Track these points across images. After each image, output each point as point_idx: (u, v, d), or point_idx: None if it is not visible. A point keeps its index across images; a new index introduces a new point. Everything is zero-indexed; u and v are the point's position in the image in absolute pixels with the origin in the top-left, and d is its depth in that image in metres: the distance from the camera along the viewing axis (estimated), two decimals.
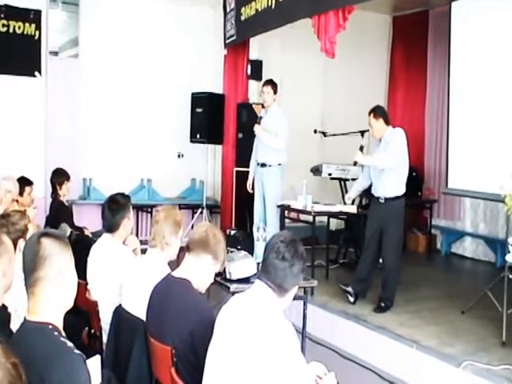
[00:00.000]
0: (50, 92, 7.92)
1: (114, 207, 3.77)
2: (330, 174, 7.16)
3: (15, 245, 2.80)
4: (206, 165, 8.73)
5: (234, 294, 3.34)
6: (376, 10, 8.53)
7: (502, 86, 5.61)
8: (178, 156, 8.81)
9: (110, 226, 3.78)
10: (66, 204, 6.36)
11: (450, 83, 6.51)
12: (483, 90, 5.87)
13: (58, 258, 2.00)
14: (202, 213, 8.45)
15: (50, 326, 1.92)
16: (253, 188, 6.73)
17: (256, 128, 6.51)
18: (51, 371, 1.80)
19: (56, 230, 4.53)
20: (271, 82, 6.52)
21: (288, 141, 6.40)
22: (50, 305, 1.97)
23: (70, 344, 1.88)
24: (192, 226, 8.00)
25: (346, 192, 6.84)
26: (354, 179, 6.81)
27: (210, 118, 8.34)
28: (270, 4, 6.64)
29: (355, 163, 5.53)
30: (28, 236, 3.36)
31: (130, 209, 3.86)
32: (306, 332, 4.39)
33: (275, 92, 6.49)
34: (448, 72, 6.57)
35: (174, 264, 3.15)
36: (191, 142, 8.57)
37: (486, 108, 5.83)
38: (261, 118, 6.54)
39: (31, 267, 1.97)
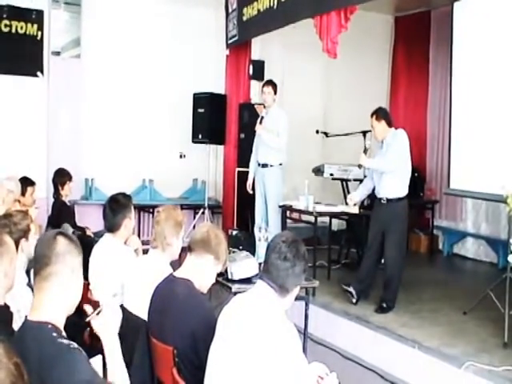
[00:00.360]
0: (52, 92, 7.94)
1: (115, 207, 3.78)
2: (331, 175, 7.16)
3: (17, 245, 2.80)
4: (207, 165, 8.73)
5: (235, 294, 3.34)
6: (378, 11, 8.52)
7: (504, 87, 5.60)
8: (180, 156, 8.81)
9: (112, 226, 3.79)
10: (68, 204, 6.37)
11: (452, 83, 6.51)
12: (485, 91, 5.87)
13: (72, 258, 2.03)
14: (203, 213, 8.45)
15: (50, 326, 1.92)
16: (253, 189, 6.73)
17: (258, 128, 6.52)
18: (51, 371, 1.80)
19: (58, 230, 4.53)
20: (271, 82, 6.55)
21: (287, 141, 6.43)
22: (55, 303, 1.98)
23: (68, 342, 1.89)
24: (194, 227, 8.00)
25: (348, 192, 6.84)
26: (355, 180, 6.81)
27: (212, 118, 8.34)
28: (271, 4, 6.65)
29: (360, 166, 5.52)
30: (30, 236, 3.37)
31: (132, 209, 3.86)
32: (308, 332, 4.39)
33: (275, 92, 6.52)
34: (450, 72, 6.57)
35: (176, 264, 3.15)
36: (193, 142, 8.57)
37: (488, 109, 5.82)
38: (262, 117, 6.56)
39: (45, 262, 1.99)
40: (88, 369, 1.87)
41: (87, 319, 2.09)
